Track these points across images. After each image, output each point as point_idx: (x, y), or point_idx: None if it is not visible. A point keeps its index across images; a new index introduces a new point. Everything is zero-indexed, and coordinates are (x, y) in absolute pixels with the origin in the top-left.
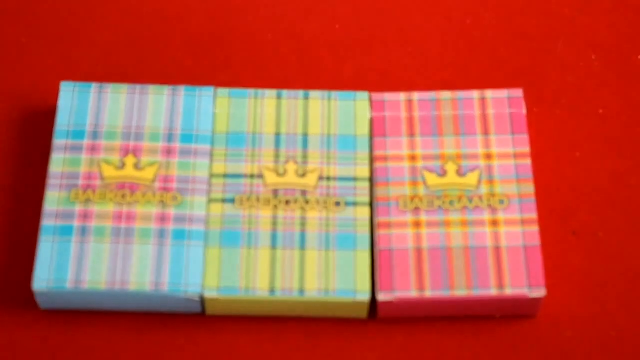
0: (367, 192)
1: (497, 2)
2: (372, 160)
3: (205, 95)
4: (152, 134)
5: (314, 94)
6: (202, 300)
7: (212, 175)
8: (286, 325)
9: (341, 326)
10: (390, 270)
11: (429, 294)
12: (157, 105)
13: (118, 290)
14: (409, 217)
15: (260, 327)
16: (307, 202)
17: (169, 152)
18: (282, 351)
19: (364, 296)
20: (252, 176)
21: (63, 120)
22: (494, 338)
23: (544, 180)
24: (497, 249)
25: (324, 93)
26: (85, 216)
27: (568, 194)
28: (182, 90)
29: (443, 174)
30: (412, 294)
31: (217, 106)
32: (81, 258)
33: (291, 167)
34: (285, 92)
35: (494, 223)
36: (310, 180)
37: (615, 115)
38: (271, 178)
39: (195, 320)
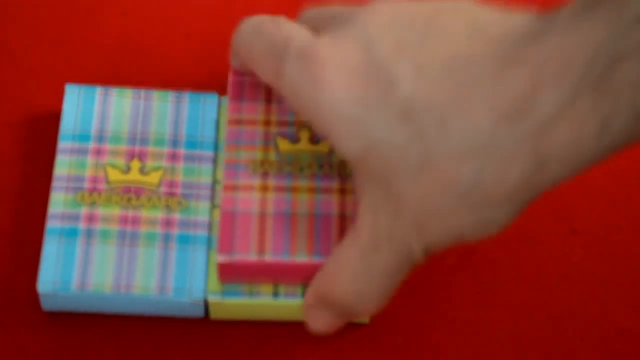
0: None
1: (499, 3)
2: None
3: (209, 102)
4: (157, 139)
5: None
6: (206, 305)
7: (216, 181)
8: (289, 329)
9: (343, 329)
10: (231, 233)
11: (268, 257)
12: (161, 111)
13: (123, 293)
14: (257, 181)
15: (264, 331)
16: None
17: (173, 157)
18: (285, 354)
19: None
20: None
21: (68, 123)
22: (493, 338)
23: None
24: (342, 218)
25: None
26: (91, 219)
27: (568, 192)
28: (186, 97)
29: (296, 140)
30: (252, 256)
31: (220, 113)
32: (86, 260)
33: None
34: None
35: (342, 191)
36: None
37: None
38: None
39: (199, 324)
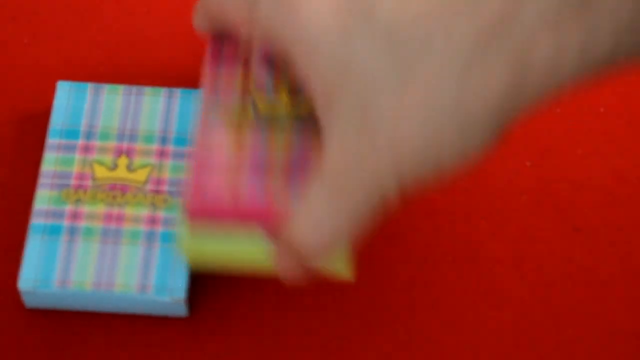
0: None
1: None
2: None
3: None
4: (146, 136)
5: None
6: (187, 298)
7: None
8: (277, 326)
9: (342, 326)
10: (205, 176)
11: (243, 192)
12: (152, 107)
13: (104, 291)
14: (231, 135)
15: (247, 328)
16: None
17: (161, 154)
18: (275, 352)
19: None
20: None
21: (58, 119)
22: (493, 337)
23: (546, 178)
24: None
25: None
26: (75, 216)
27: (570, 191)
28: (177, 93)
29: (274, 101)
30: (224, 195)
31: None
32: (68, 258)
33: None
34: None
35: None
36: None
37: (616, 114)
38: None
39: (181, 323)
